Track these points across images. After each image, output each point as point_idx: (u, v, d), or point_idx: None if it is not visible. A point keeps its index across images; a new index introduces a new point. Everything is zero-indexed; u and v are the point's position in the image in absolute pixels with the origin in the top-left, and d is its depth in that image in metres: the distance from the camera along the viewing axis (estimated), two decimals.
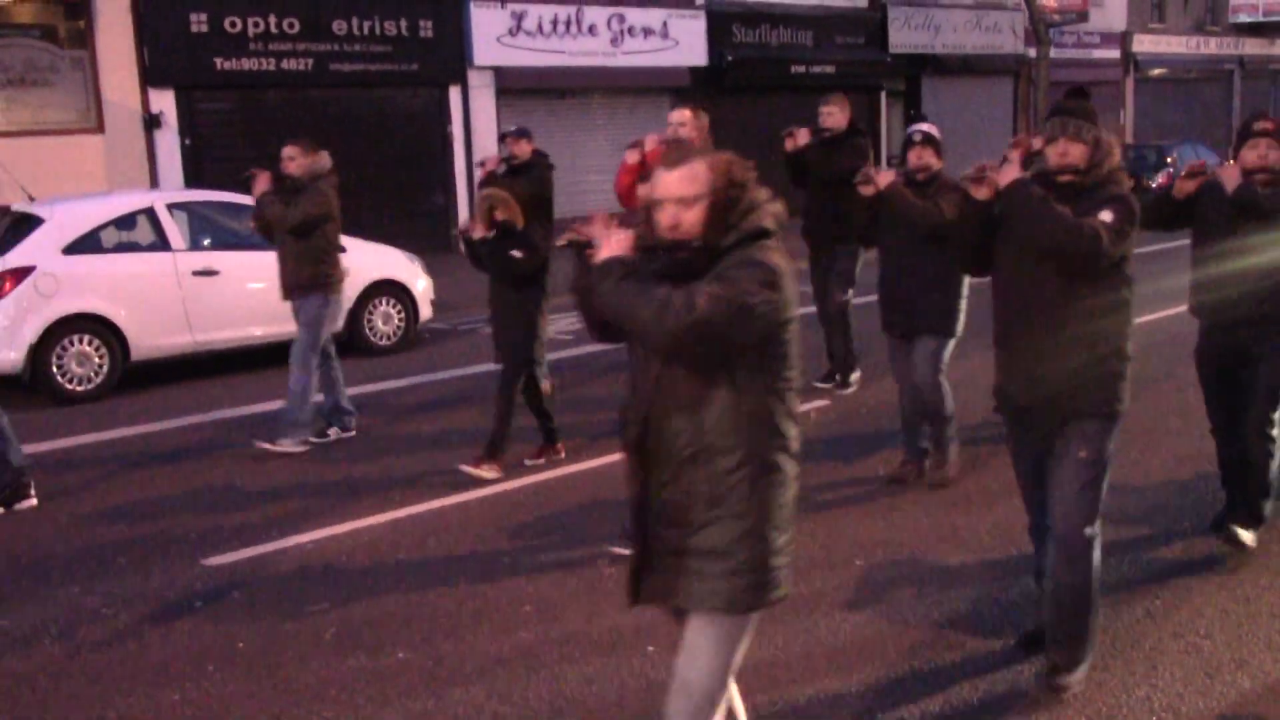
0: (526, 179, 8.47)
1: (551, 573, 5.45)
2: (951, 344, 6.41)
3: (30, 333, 9.33)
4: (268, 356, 10.02)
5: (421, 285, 11.78)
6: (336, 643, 4.81)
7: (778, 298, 2.83)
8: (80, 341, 9.58)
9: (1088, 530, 4.05)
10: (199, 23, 16.93)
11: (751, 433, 2.90)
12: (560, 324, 11.20)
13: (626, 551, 5.17)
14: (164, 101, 16.83)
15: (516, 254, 6.76)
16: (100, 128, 16.43)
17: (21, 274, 9.38)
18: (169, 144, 16.92)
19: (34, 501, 6.75)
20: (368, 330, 11.34)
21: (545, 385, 9.00)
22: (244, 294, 10.32)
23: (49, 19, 16.10)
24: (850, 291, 8.58)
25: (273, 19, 17.56)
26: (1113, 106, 32.39)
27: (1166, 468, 6.67)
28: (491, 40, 19.91)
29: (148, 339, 9.93)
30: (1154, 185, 21.77)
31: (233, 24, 17.18)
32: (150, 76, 16.66)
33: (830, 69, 24.72)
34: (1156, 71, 33.70)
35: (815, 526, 5.96)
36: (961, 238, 4.39)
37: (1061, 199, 3.97)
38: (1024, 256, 4.05)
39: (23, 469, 6.77)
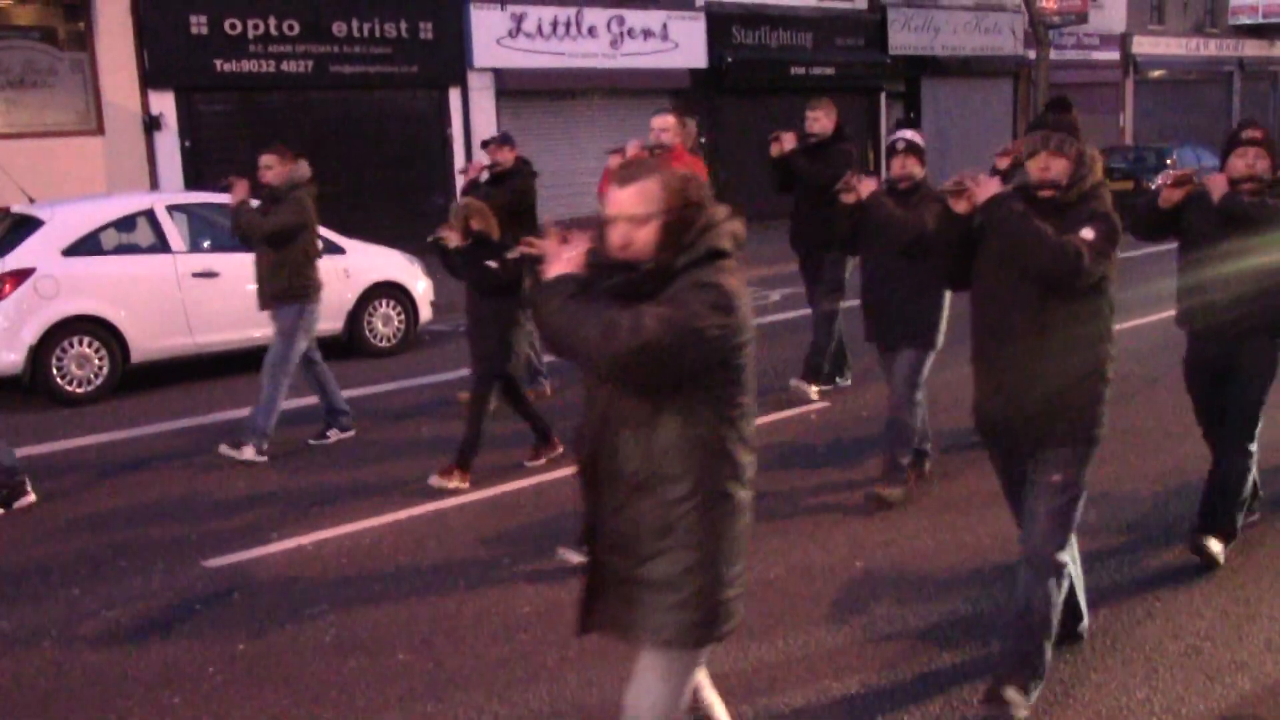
0: (508, 187, 8.44)
1: (551, 575, 5.45)
2: (931, 357, 6.29)
3: (30, 334, 9.33)
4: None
5: (421, 287, 11.79)
6: (336, 645, 4.81)
7: (730, 321, 2.73)
8: (80, 343, 9.58)
9: (1058, 556, 3.97)
10: (199, 25, 16.93)
11: (702, 461, 2.81)
12: None
13: (576, 558, 5.19)
14: (164, 103, 16.84)
15: (492, 264, 6.67)
16: (100, 129, 16.43)
17: (21, 276, 9.39)
18: (169, 146, 16.93)
19: (32, 497, 6.75)
20: (368, 332, 11.34)
21: (545, 387, 9.01)
22: (244, 296, 10.28)
23: (49, 21, 16.10)
24: (838, 299, 8.48)
25: (272, 21, 17.56)
26: (1112, 108, 32.43)
27: (1165, 470, 6.67)
28: (491, 42, 19.92)
29: (148, 341, 9.94)
30: (1154, 186, 21.74)
31: (233, 26, 17.19)
32: (150, 78, 16.66)
33: (830, 71, 24.74)
34: (1156, 73, 33.72)
35: (815, 528, 5.97)
36: (940, 250, 4.28)
37: (1042, 214, 3.88)
38: (1003, 272, 3.97)
39: (15, 468, 6.77)
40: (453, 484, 6.74)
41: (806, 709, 4.15)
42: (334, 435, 8.00)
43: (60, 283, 9.51)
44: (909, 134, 6.33)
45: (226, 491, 7.00)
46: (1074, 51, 30.54)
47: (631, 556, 2.86)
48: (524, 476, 6.98)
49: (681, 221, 2.79)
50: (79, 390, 9.56)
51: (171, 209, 10.37)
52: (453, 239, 6.83)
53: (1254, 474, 5.38)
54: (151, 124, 16.73)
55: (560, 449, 7.23)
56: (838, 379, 8.95)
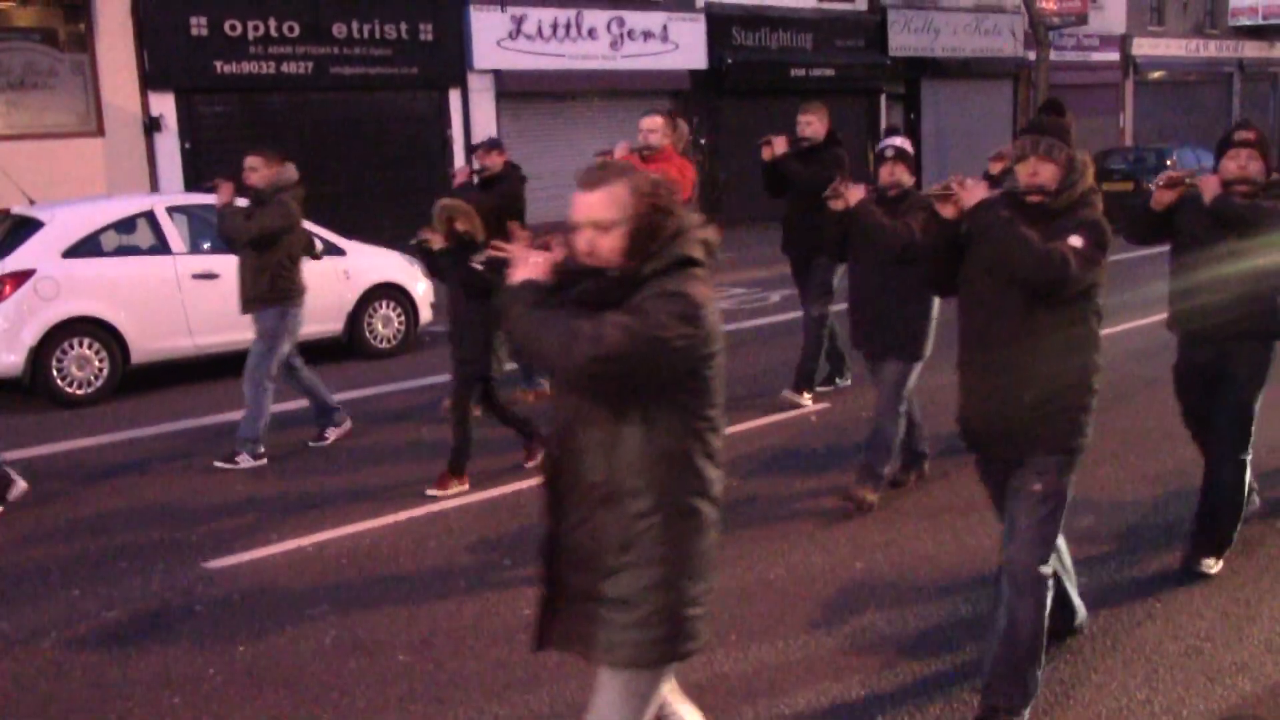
0: (496, 191, 8.41)
1: None
2: (917, 368, 6.21)
3: (30, 336, 9.33)
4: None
5: (421, 288, 11.79)
6: (336, 646, 4.81)
7: (697, 332, 2.65)
8: (80, 345, 9.58)
9: (1041, 568, 3.88)
10: (199, 26, 16.93)
11: (666, 475, 2.73)
12: None
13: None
14: (164, 105, 16.84)
15: (478, 265, 6.54)
16: (100, 131, 16.42)
17: (21, 277, 9.39)
18: (169, 147, 16.93)
19: (24, 485, 6.73)
20: (368, 333, 11.34)
21: (544, 385, 8.99)
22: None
23: (49, 22, 16.10)
24: (827, 303, 8.40)
25: (273, 22, 17.56)
26: (1112, 109, 32.45)
27: (1166, 471, 6.67)
28: (491, 44, 19.93)
29: (148, 342, 9.94)
30: (1154, 188, 21.73)
31: (233, 27, 17.19)
32: (150, 80, 16.66)
33: (830, 72, 24.75)
34: (1156, 74, 33.73)
35: (815, 530, 5.97)
36: (928, 256, 4.22)
37: (1031, 220, 3.81)
38: (989, 279, 3.89)
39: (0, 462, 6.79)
40: (451, 490, 6.72)
41: (807, 710, 4.15)
42: (332, 434, 8.00)
43: (60, 284, 9.51)
44: (897, 141, 6.21)
45: (226, 493, 7.00)
46: (1074, 53, 30.55)
47: (591, 571, 2.79)
48: (524, 478, 6.97)
49: (649, 228, 2.72)
50: (79, 392, 9.56)
51: (172, 210, 10.37)
52: (436, 241, 6.77)
53: (1250, 478, 5.31)
54: (152, 125, 16.73)
55: None
56: (837, 379, 8.95)
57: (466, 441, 6.79)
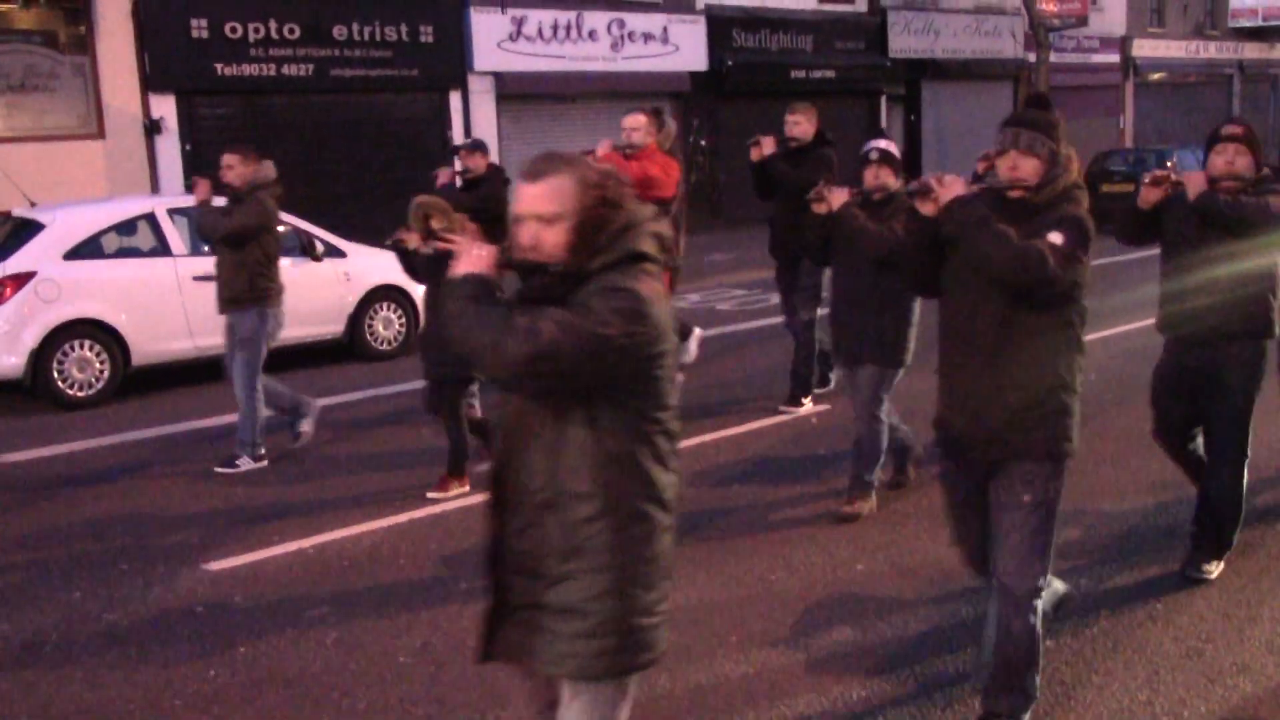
0: (478, 194, 8.36)
1: None
2: (898, 375, 6.12)
3: (31, 338, 9.34)
4: (269, 362, 10.01)
5: (422, 290, 11.76)
6: (337, 648, 4.81)
7: (642, 330, 2.52)
8: (81, 347, 9.59)
9: (1038, 581, 3.78)
10: (200, 28, 16.95)
11: (613, 479, 2.60)
12: None
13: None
14: (165, 107, 16.85)
15: (425, 254, 6.42)
16: (101, 133, 16.44)
17: (22, 279, 9.39)
18: (170, 149, 16.94)
19: None
20: (368, 335, 11.34)
21: None
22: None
23: (50, 24, 16.12)
24: (815, 306, 8.28)
25: (273, 24, 17.58)
26: (1113, 111, 32.47)
27: (1166, 473, 6.65)
28: (492, 45, 19.95)
29: (149, 344, 9.94)
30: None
31: (233, 29, 17.20)
32: (151, 82, 16.67)
33: (830, 74, 24.77)
34: (1156, 76, 33.77)
35: (816, 531, 5.97)
36: (910, 256, 4.08)
37: (1012, 216, 3.68)
38: (969, 279, 3.76)
39: None
40: (452, 492, 6.71)
41: (808, 712, 4.15)
42: (306, 426, 7.83)
43: (61, 286, 9.52)
44: (882, 143, 6.08)
45: (227, 495, 7.00)
46: (1074, 54, 30.58)
47: (536, 579, 2.67)
48: None
49: (596, 221, 2.60)
50: (80, 394, 9.56)
51: (172, 212, 10.36)
52: (412, 240, 6.66)
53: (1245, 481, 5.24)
54: (152, 127, 16.75)
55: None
56: (830, 376, 8.88)
57: (463, 443, 6.76)
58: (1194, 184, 4.87)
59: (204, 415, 9.06)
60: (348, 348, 11.19)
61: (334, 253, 11.02)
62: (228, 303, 7.49)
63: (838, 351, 6.32)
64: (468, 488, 6.76)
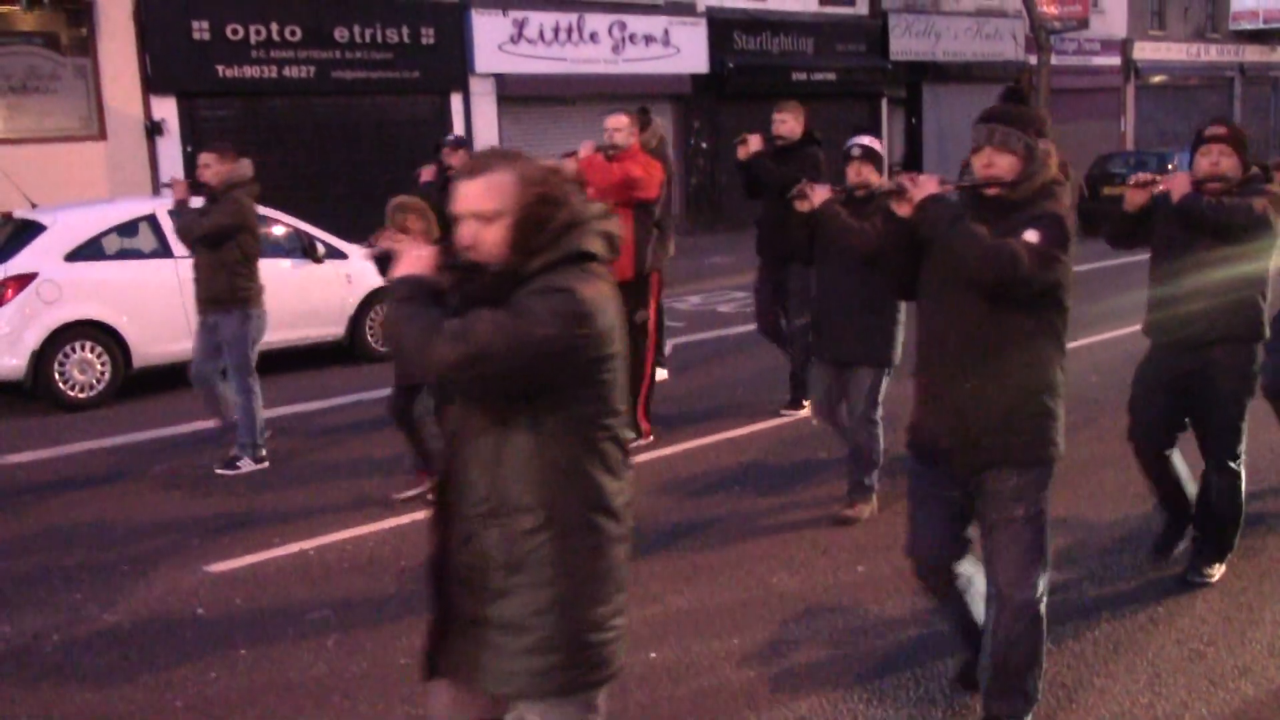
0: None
1: None
2: (888, 375, 6.06)
3: (32, 339, 9.34)
4: (270, 363, 10.03)
5: None
6: (338, 649, 4.81)
7: (584, 332, 2.43)
8: (82, 348, 9.59)
9: (1038, 588, 3.73)
10: (201, 30, 16.96)
11: (558, 489, 2.50)
12: None
13: None
14: (166, 109, 16.86)
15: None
16: (102, 135, 16.44)
17: (24, 281, 9.40)
18: (171, 151, 16.95)
19: None
20: (369, 337, 11.34)
21: None
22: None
23: (51, 26, 16.13)
24: (807, 312, 8.06)
25: (275, 26, 17.58)
26: (1114, 113, 32.47)
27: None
28: (493, 47, 19.95)
29: (150, 346, 9.94)
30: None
31: (235, 31, 17.21)
32: (152, 84, 16.68)
33: (831, 76, 24.77)
34: (1157, 78, 33.76)
35: (817, 534, 5.97)
36: (888, 258, 3.96)
37: (989, 215, 3.59)
38: (947, 280, 3.65)
39: None
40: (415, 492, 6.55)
41: (810, 714, 4.15)
42: (246, 465, 7.53)
43: (62, 288, 9.52)
44: (865, 140, 5.99)
45: (228, 497, 7.00)
46: (1075, 57, 30.57)
47: (480, 594, 2.56)
48: None
49: (536, 219, 2.50)
50: (81, 395, 9.56)
51: (174, 214, 10.36)
52: (386, 241, 6.53)
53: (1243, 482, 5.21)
54: (153, 129, 16.75)
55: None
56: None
57: (425, 443, 6.48)
58: (1177, 187, 4.80)
59: (205, 417, 9.04)
60: (348, 349, 11.18)
61: (335, 254, 11.02)
62: (208, 303, 7.41)
63: (823, 353, 6.22)
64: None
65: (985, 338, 3.60)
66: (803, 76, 24.23)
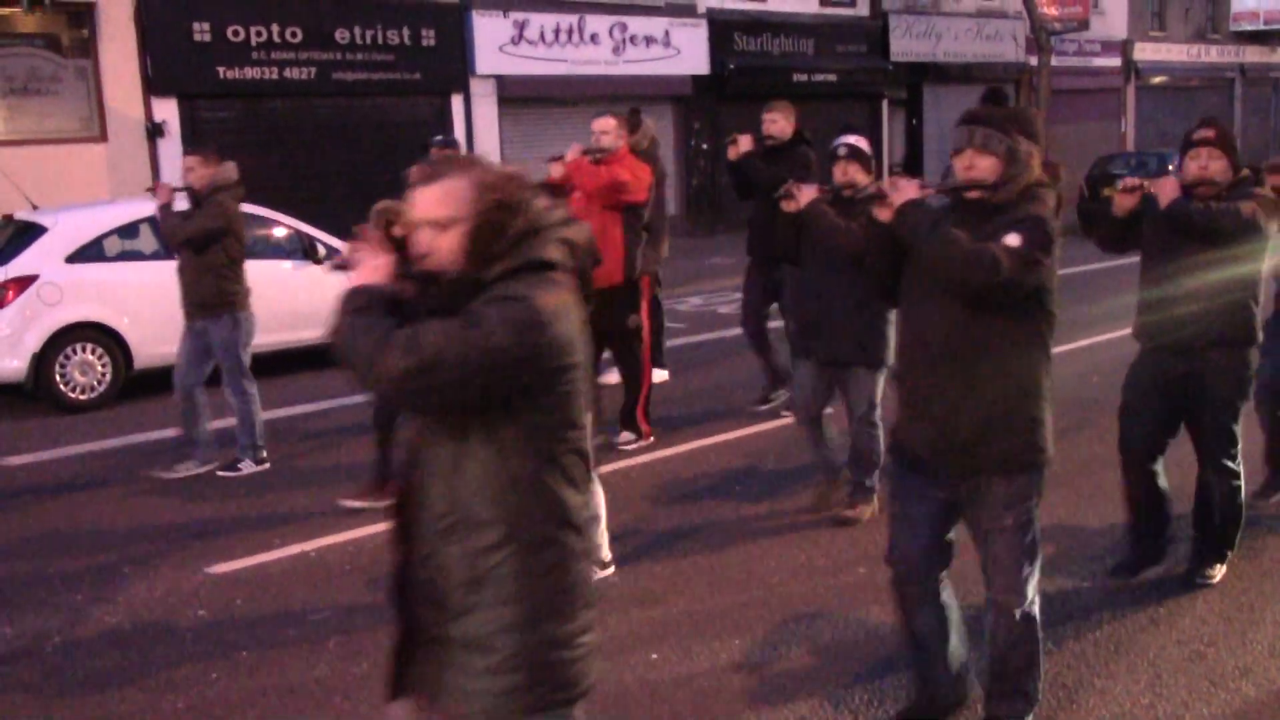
0: None
1: None
2: (884, 374, 5.99)
3: (33, 341, 9.34)
4: (271, 365, 10.03)
5: None
6: (340, 650, 4.81)
7: (540, 341, 2.35)
8: (83, 350, 9.59)
9: (1030, 591, 3.73)
10: (202, 32, 16.97)
11: (518, 504, 2.43)
12: None
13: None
14: (167, 110, 16.87)
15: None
16: (103, 136, 16.45)
17: (25, 283, 9.40)
18: (172, 153, 16.91)
19: None
20: None
21: None
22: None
23: (52, 28, 16.14)
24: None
25: (275, 28, 17.59)
26: (1114, 114, 32.48)
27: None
28: (494, 49, 19.96)
29: (151, 347, 9.93)
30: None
31: (235, 33, 17.22)
32: (153, 85, 16.69)
33: (832, 77, 24.78)
34: (1158, 79, 33.77)
35: (819, 534, 5.97)
36: (872, 262, 3.91)
37: (971, 218, 3.54)
38: (929, 285, 3.59)
39: None
40: (367, 504, 6.36)
41: (811, 714, 4.15)
42: (184, 469, 7.49)
43: (63, 289, 9.53)
44: (851, 139, 5.86)
45: (229, 498, 7.00)
46: (1075, 58, 30.58)
47: (441, 612, 2.49)
48: None
49: (493, 226, 2.43)
50: (82, 397, 9.56)
51: None
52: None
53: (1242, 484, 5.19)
54: (154, 131, 16.76)
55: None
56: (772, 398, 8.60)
57: (387, 460, 6.21)
58: (1165, 191, 4.74)
59: (205, 419, 9.04)
60: None
61: (336, 255, 11.01)
62: (196, 308, 7.35)
63: (809, 355, 6.13)
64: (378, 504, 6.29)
65: (968, 343, 3.55)
66: (803, 77, 24.24)
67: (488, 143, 19.81)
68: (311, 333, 10.76)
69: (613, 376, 8.60)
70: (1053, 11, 27.33)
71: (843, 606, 5.07)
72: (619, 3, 21.55)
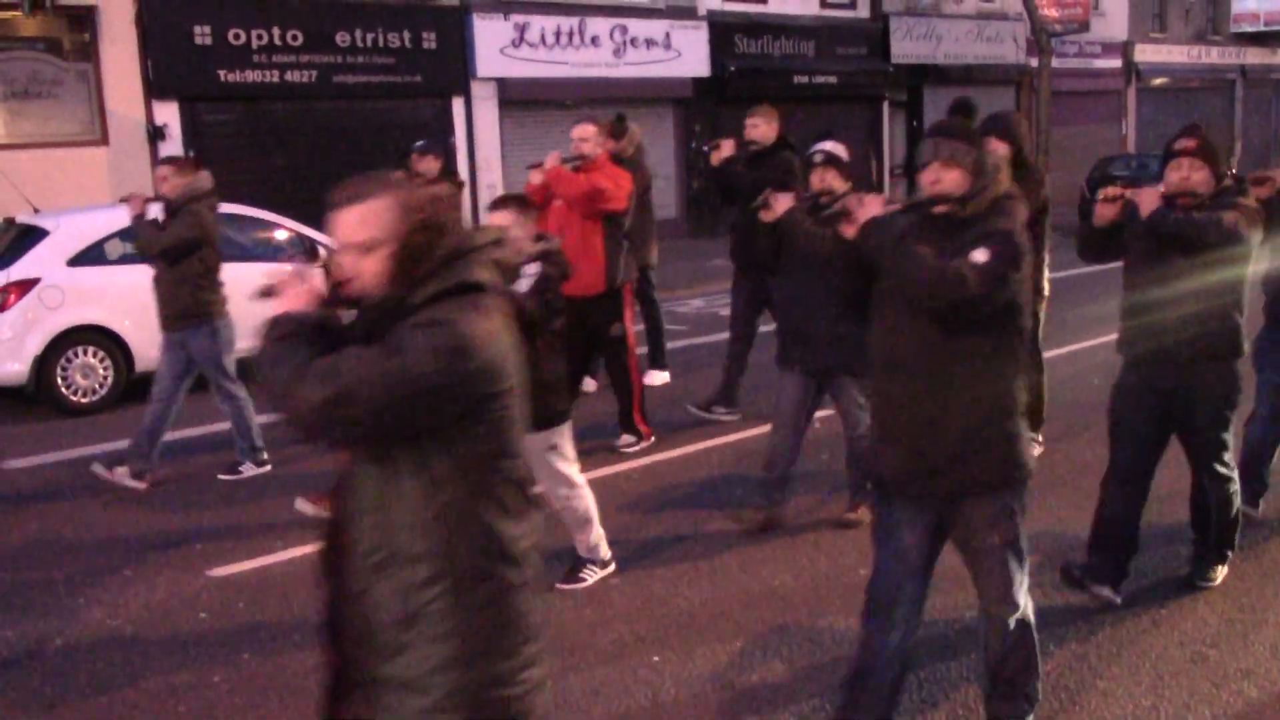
0: None
1: (553, 580, 5.44)
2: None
3: (35, 344, 9.34)
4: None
5: None
6: None
7: (464, 368, 2.26)
8: (85, 353, 9.60)
9: (1022, 598, 3.71)
10: (203, 35, 16.97)
11: (450, 537, 2.33)
12: None
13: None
14: (168, 113, 16.87)
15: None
16: (104, 140, 16.46)
17: (26, 286, 9.41)
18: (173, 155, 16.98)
19: None
20: None
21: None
22: (247, 306, 10.25)
23: (53, 31, 16.15)
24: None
25: (276, 31, 17.59)
26: (1115, 116, 32.48)
27: (1165, 478, 6.65)
28: (494, 52, 19.96)
29: (152, 350, 9.84)
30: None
31: (236, 36, 17.22)
32: (154, 88, 16.69)
33: (832, 79, 24.77)
34: (1158, 81, 33.76)
35: (820, 536, 5.97)
36: (838, 280, 3.86)
37: (938, 233, 3.48)
38: (898, 302, 3.54)
39: None
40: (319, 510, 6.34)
41: (812, 716, 4.15)
42: (120, 474, 7.30)
43: (65, 292, 9.53)
44: (828, 145, 5.74)
45: (230, 501, 7.01)
46: (1076, 59, 30.58)
47: (374, 651, 2.39)
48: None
49: (416, 248, 2.34)
50: (83, 400, 9.56)
51: None
52: None
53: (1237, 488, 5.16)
54: (155, 134, 16.76)
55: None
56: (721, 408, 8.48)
57: None
58: (1146, 201, 4.71)
59: (207, 421, 9.04)
60: None
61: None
62: (173, 319, 7.30)
63: (792, 364, 6.02)
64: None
65: (940, 360, 3.49)
66: (804, 80, 24.24)
67: (489, 146, 19.82)
68: None
69: (589, 385, 8.58)
70: (1053, 13, 27.32)
71: (844, 608, 5.07)
72: (619, 5, 21.55)
